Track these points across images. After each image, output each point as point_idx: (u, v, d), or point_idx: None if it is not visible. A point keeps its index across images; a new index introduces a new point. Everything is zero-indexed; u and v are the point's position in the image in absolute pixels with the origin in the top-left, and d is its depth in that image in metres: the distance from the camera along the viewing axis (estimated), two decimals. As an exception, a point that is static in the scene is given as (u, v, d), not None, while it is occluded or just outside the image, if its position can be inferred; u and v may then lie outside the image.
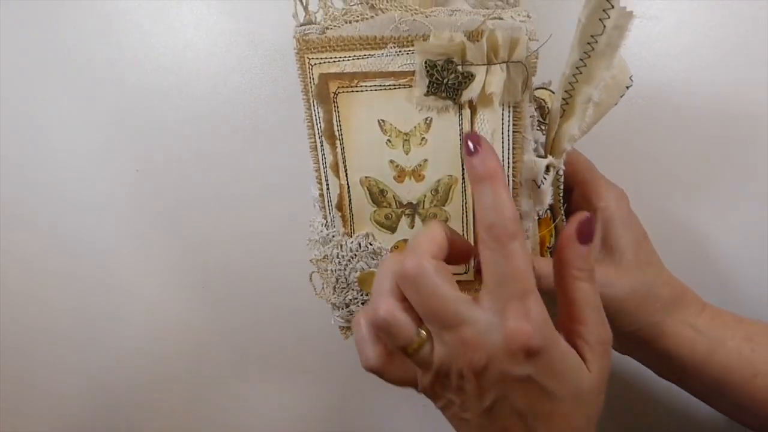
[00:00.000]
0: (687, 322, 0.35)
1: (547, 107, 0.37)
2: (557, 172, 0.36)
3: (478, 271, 0.37)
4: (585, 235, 0.28)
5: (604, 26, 0.29)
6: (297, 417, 0.54)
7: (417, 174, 0.35)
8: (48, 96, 0.49)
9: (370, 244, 0.36)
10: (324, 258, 0.38)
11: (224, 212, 0.50)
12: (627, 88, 0.34)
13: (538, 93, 0.38)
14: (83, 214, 0.51)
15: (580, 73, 0.31)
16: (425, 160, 0.34)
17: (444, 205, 0.35)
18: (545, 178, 0.35)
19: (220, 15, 0.47)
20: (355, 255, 0.37)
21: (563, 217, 0.38)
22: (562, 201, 0.38)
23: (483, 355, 0.26)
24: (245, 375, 0.53)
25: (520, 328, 0.25)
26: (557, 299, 0.30)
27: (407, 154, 0.34)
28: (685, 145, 0.45)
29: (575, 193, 0.39)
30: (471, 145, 0.28)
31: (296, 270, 0.49)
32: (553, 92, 0.36)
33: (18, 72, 0.49)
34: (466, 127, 0.33)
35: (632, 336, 0.35)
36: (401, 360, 0.30)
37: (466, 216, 0.36)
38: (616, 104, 0.34)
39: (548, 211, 0.37)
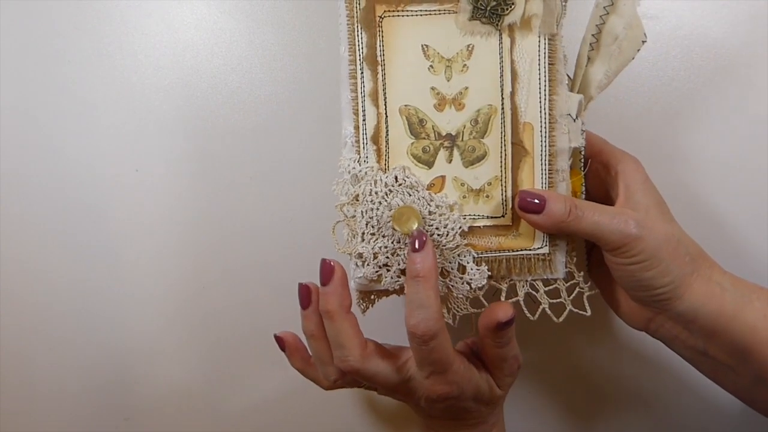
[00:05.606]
0: (714, 280, 0.35)
1: None
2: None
3: (515, 215, 0.36)
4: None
5: (634, -45, 0.33)
6: (302, 417, 0.50)
7: (457, 102, 0.35)
8: (47, 96, 0.48)
9: (407, 178, 0.35)
10: (354, 199, 0.35)
11: (224, 212, 0.48)
12: (642, 42, 0.37)
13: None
14: (82, 213, 0.49)
15: (611, 4, 0.34)
16: (466, 88, 0.34)
17: (483, 138, 0.35)
18: (579, 115, 0.36)
19: (220, 15, 0.48)
20: (391, 190, 0.35)
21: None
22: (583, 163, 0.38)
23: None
24: (247, 376, 0.51)
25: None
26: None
27: (449, 81, 0.34)
28: (685, 144, 0.47)
29: (592, 163, 0.39)
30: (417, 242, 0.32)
31: (297, 268, 0.48)
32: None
33: (17, 72, 0.48)
34: (506, 58, 0.34)
35: (663, 292, 0.34)
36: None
37: (505, 150, 0.35)
38: (633, 59, 0.37)
39: (581, 161, 0.37)
